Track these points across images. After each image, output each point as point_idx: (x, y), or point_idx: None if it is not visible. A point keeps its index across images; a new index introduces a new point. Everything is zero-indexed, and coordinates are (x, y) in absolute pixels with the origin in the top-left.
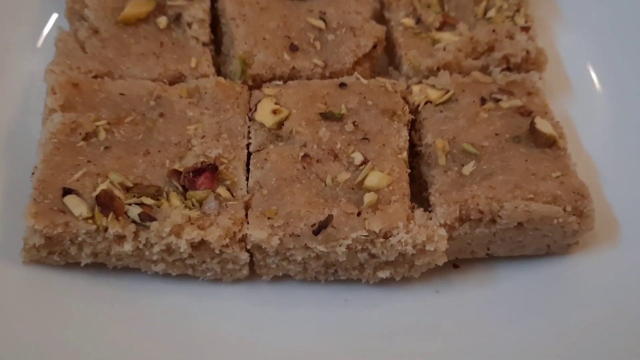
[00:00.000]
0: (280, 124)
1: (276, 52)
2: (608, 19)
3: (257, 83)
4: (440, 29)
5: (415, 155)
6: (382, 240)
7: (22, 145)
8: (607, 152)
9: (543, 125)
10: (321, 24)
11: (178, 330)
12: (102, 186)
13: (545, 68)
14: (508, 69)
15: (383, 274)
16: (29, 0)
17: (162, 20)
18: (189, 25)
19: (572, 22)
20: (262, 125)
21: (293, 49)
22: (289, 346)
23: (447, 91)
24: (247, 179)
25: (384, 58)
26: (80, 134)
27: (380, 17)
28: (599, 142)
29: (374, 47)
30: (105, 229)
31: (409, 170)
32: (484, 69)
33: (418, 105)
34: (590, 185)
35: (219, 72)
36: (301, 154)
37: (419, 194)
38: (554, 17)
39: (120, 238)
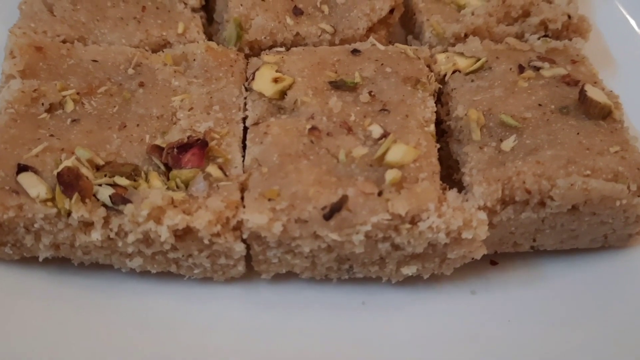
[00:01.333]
0: (282, 94)
1: (277, 16)
2: None
3: (254, 51)
4: None
5: (442, 134)
6: (408, 226)
7: None
8: None
9: (595, 94)
10: None
11: (159, 341)
12: (67, 163)
13: (588, 37)
14: (546, 36)
15: (409, 271)
16: None
17: None
18: None
19: None
20: (261, 95)
21: (297, 12)
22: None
23: (479, 59)
24: (244, 156)
25: (400, 30)
26: (43, 104)
27: None
28: None
29: (391, 11)
30: (69, 214)
31: (437, 145)
32: (519, 37)
33: (445, 75)
34: None
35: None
36: (308, 126)
37: (448, 178)
38: None
39: (87, 225)
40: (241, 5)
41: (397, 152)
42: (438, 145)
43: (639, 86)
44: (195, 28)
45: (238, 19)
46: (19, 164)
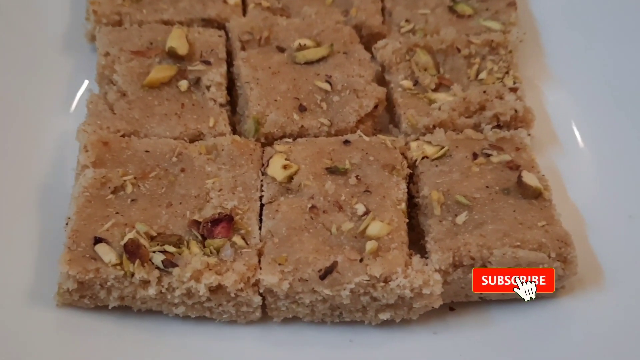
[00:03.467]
0: (290, 178)
1: (286, 112)
2: (592, 79)
3: (269, 140)
4: (436, 90)
5: (413, 206)
6: (382, 284)
7: (55, 198)
8: (592, 201)
9: (529, 179)
10: (327, 87)
11: None
12: (129, 235)
13: (533, 125)
14: (498, 126)
15: (384, 316)
16: (63, 67)
17: (183, 84)
18: (208, 88)
19: (559, 81)
20: (273, 179)
21: (302, 109)
22: None
23: (442, 147)
24: (260, 228)
25: (384, 116)
26: (109, 187)
27: (381, 79)
28: (584, 193)
29: (376, 107)
30: (132, 275)
31: (407, 220)
32: (476, 127)
33: (416, 160)
34: (576, 233)
35: (234, 131)
36: (309, 205)
37: (417, 242)
38: (543, 77)
39: (145, 283)
40: (258, 104)
41: (375, 227)
42: (407, 220)
43: (575, 161)
44: (223, 122)
45: (256, 117)
46: (95, 237)
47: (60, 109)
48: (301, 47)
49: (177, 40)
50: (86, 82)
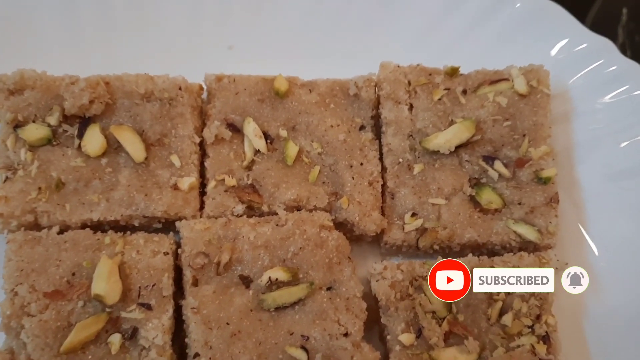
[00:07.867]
0: None
1: None
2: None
3: None
4: (445, 338)
5: None
6: None
7: None
8: None
9: None
10: (303, 356)
11: None
12: None
13: None
14: None
15: None
16: None
17: (115, 340)
18: (146, 349)
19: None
20: None
21: None
22: None
23: None
24: None
25: None
26: None
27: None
28: None
29: None
30: None
31: None
32: None
33: None
34: None
35: None
36: None
37: None
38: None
39: None
40: None
41: None
42: None
43: None
44: None
45: None
46: None
47: None
48: (271, 283)
49: (104, 283)
50: None
